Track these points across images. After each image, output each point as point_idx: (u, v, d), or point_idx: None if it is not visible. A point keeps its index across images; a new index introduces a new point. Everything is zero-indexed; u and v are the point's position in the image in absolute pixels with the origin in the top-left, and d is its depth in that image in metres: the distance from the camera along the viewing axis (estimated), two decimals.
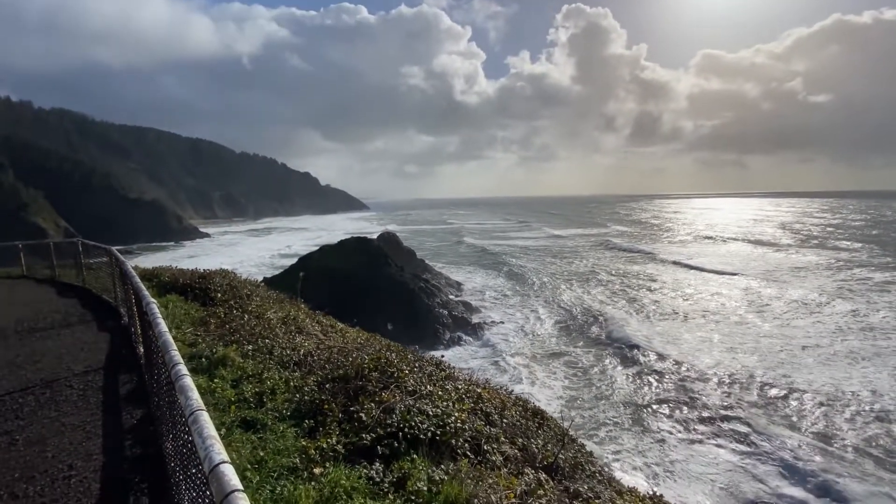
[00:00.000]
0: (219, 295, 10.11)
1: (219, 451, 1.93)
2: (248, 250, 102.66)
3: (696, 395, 22.21)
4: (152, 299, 5.27)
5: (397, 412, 5.21)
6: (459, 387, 6.82)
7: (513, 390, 8.23)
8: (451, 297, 45.68)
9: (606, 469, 7.56)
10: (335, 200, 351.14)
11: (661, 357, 26.45)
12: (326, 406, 5.45)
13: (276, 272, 47.07)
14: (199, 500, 2.19)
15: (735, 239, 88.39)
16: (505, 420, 6.47)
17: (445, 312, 38.94)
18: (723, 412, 20.94)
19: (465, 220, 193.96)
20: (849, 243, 78.24)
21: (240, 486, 1.71)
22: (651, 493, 6.07)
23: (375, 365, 6.42)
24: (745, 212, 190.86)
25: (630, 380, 24.50)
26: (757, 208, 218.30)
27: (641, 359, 26.51)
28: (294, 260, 48.75)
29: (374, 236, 55.84)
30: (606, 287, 47.64)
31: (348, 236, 48.64)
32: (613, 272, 57.26)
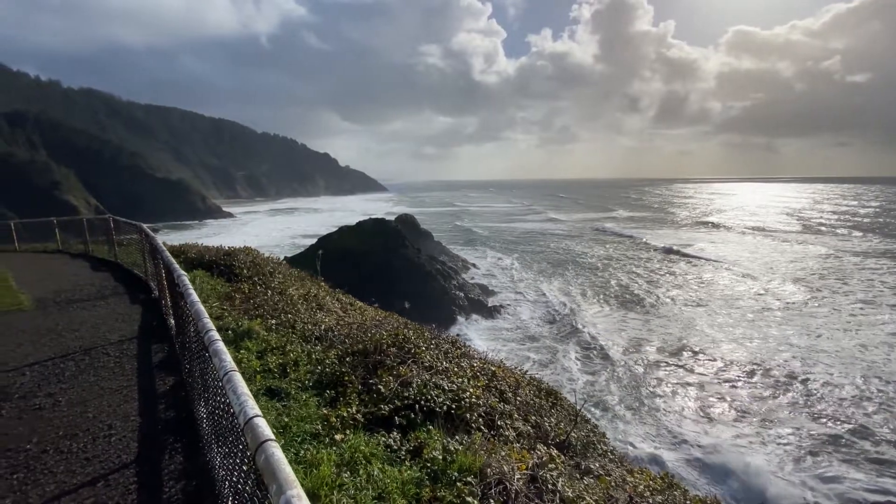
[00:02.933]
0: (243, 271, 10.39)
1: (252, 406, 2.09)
2: (270, 230, 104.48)
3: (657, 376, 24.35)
4: (183, 272, 5.51)
5: (414, 386, 5.36)
6: (475, 365, 6.90)
7: (527, 370, 8.34)
8: (467, 279, 46.05)
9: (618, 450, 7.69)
10: (354, 181, 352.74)
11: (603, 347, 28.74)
12: (347, 378, 5.63)
13: (297, 251, 47.90)
14: (233, 453, 2.36)
15: (729, 227, 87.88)
16: (518, 398, 6.57)
17: (462, 294, 39.26)
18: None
19: (472, 202, 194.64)
20: (847, 231, 77.50)
21: (272, 437, 1.86)
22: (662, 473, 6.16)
23: (394, 341, 6.59)
24: (760, 197, 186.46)
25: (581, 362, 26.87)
26: (775, 194, 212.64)
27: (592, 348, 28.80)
28: (314, 240, 49.54)
29: (392, 218, 56.41)
30: (576, 274, 50.46)
31: (366, 217, 49.15)
32: (591, 258, 58.84)
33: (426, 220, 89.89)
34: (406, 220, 59.02)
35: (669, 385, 23.64)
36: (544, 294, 42.07)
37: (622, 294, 41.66)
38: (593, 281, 46.69)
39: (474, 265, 55.92)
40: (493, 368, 7.14)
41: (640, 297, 40.36)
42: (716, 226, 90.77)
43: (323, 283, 11.41)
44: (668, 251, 62.76)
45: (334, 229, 48.94)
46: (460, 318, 36.04)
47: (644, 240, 73.35)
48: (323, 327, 7.42)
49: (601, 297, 40.82)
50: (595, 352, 28.48)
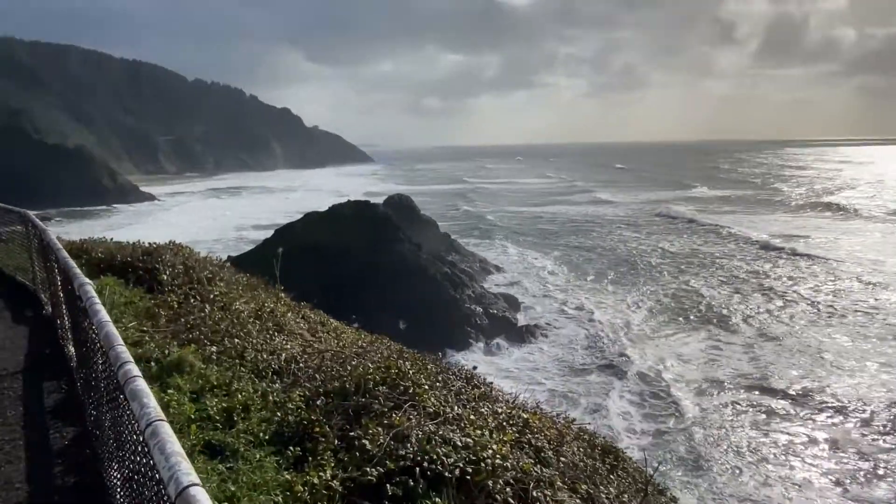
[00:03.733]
0: (170, 278, 10.54)
1: (186, 470, 2.12)
2: (207, 218, 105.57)
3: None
4: (87, 279, 5.57)
5: (413, 440, 5.40)
6: (499, 410, 6.97)
7: (573, 418, 8.34)
8: (487, 287, 46.20)
9: None
10: (325, 148, 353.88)
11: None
12: (318, 429, 5.70)
13: (247, 249, 48.28)
14: None
15: (861, 212, 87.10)
16: (563, 458, 6.66)
17: (479, 310, 39.38)
18: None
19: (492, 177, 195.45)
20: None
21: None
22: None
23: (384, 376, 6.67)
24: None
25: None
26: None
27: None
28: (269, 232, 49.90)
29: (380, 200, 56.65)
30: (638, 280, 50.84)
31: (343, 200, 49.27)
32: (658, 258, 59.26)
33: (428, 203, 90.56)
34: (400, 204, 59.30)
35: (782, 442, 23.63)
36: (594, 310, 42.34)
37: (702, 309, 41.80)
38: (662, 290, 46.97)
39: (497, 267, 56.34)
40: (526, 416, 7.11)
41: (726, 313, 40.54)
42: (842, 209, 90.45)
43: (283, 295, 11.50)
44: (769, 247, 62.93)
45: (298, 217, 49.19)
46: (478, 344, 36.20)
47: (735, 230, 73.35)
48: (283, 357, 7.53)
49: (673, 313, 41.02)
50: (670, 390, 28.60)
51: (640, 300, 44.96)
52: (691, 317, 40.60)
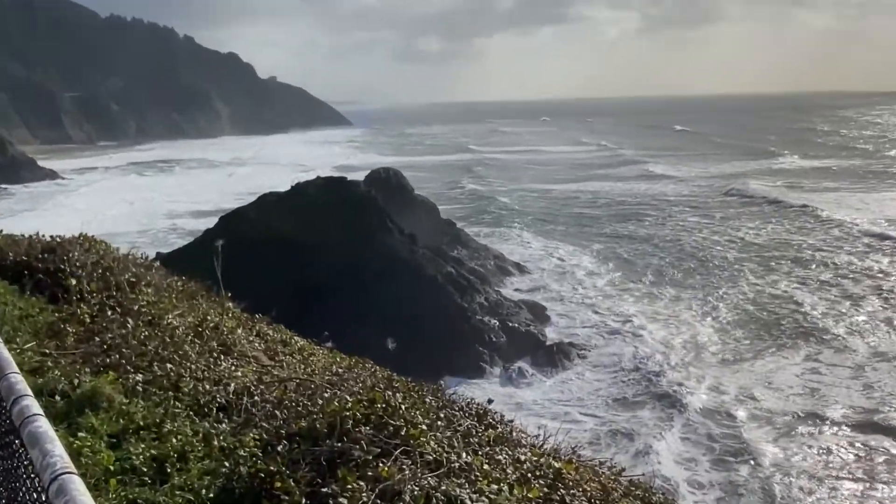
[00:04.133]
0: (80, 283, 10.50)
1: None
2: (128, 202, 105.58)
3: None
4: None
5: (407, 498, 5.38)
6: (522, 457, 6.97)
7: (622, 467, 8.35)
8: (506, 292, 46.13)
9: None
10: (286, 107, 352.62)
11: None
12: (279, 483, 5.67)
13: (181, 243, 48.31)
14: None
15: None
16: None
17: (495, 323, 39.36)
18: None
19: (508, 144, 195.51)
20: None
21: None
22: None
23: (366, 413, 6.63)
24: None
25: None
26: None
27: None
28: (212, 221, 49.90)
29: (361, 177, 56.49)
30: (702, 282, 51.37)
31: (311, 176, 49.14)
32: (729, 250, 59.61)
33: (423, 180, 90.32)
34: (387, 181, 59.35)
35: None
36: (647, 324, 42.38)
37: (796, 319, 41.65)
38: (741, 295, 47.12)
39: (519, 266, 56.21)
40: (559, 465, 7.01)
41: (828, 325, 40.31)
42: None
43: (231, 305, 11.52)
44: (886, 237, 62.78)
45: (250, 199, 49.16)
46: (493, 369, 36.29)
47: (838, 214, 73.16)
48: (233, 388, 7.55)
49: (757, 326, 41.03)
50: (744, 428, 28.48)
51: (711, 309, 45.03)
52: (781, 331, 40.54)
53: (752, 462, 26.53)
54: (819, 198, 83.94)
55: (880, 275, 50.99)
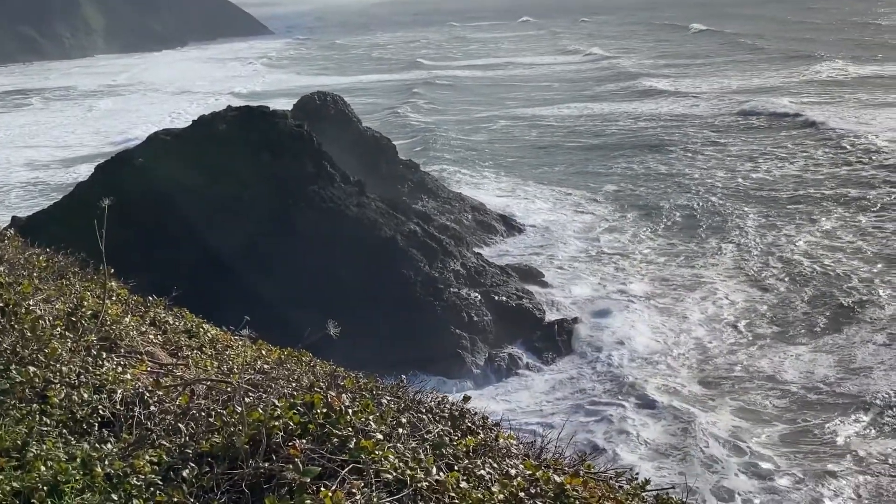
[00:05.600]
0: None
1: None
2: None
3: None
4: None
5: None
6: (512, 471, 6.65)
7: (645, 478, 7.40)
8: (489, 255, 43.56)
9: None
10: (181, 15, 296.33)
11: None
12: None
13: (45, 203, 46.44)
14: None
15: None
16: None
17: (476, 296, 37.47)
18: None
19: (475, 53, 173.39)
20: None
21: None
22: None
23: (302, 422, 6.32)
24: None
25: None
26: None
27: None
28: (86, 171, 48.80)
29: (289, 106, 52.71)
30: (734, 233, 48.03)
31: (220, 106, 46.75)
32: (769, 188, 56.47)
33: (371, 105, 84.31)
34: (323, 111, 55.43)
35: None
36: (673, 292, 39.60)
37: (825, 288, 38.71)
38: (793, 249, 43.59)
39: (506, 219, 52.23)
40: (561, 479, 6.57)
41: (862, 296, 37.52)
42: None
43: (115, 284, 10.63)
44: None
45: (137, 141, 47.44)
46: (474, 358, 34.62)
47: (885, 144, 66.76)
48: (120, 396, 7.10)
49: (817, 289, 37.83)
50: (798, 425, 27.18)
51: (760, 269, 41.75)
52: (845, 298, 37.46)
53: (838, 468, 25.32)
54: (867, 119, 77.41)
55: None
